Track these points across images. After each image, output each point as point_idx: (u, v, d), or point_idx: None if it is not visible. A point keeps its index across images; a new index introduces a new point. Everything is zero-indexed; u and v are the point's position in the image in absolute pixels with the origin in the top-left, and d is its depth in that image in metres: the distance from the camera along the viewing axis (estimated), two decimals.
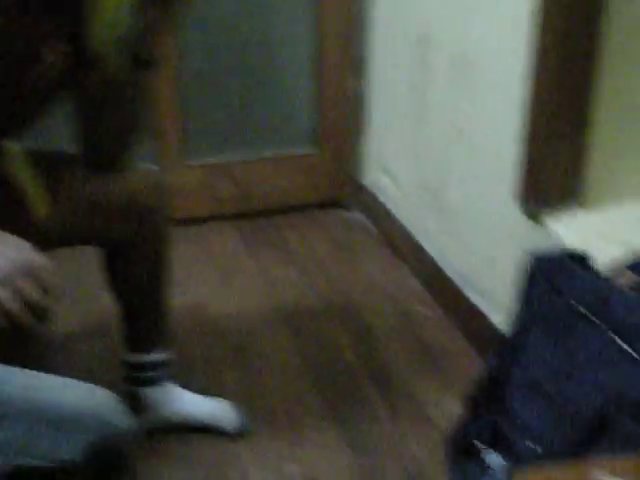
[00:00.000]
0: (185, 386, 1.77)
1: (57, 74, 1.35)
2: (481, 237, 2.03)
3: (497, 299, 1.94)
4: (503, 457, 1.35)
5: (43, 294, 1.13)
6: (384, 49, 2.52)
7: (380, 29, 2.51)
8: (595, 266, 1.38)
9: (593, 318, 1.24)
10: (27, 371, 1.13)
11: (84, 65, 1.39)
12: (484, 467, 1.31)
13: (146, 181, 1.59)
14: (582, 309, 1.26)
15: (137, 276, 1.61)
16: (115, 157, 1.52)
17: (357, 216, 2.73)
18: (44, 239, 1.32)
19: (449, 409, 1.79)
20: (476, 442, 1.33)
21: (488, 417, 1.35)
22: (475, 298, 2.06)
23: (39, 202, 1.46)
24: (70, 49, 1.35)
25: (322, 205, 2.74)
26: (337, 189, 2.75)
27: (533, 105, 1.70)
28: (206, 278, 2.35)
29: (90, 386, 1.13)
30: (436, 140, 2.22)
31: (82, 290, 2.19)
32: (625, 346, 1.18)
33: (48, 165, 1.51)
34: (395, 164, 2.51)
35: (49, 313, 1.19)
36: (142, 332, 1.69)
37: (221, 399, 1.79)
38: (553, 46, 1.60)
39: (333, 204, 2.75)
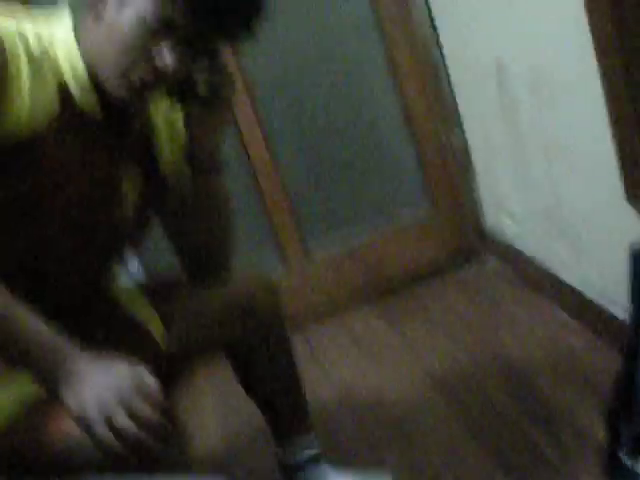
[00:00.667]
0: (344, 467, 1.77)
1: (136, 205, 1.44)
2: (609, 251, 1.96)
3: None
4: None
5: (160, 414, 1.17)
6: (467, 92, 2.53)
7: (458, 73, 2.53)
8: None
9: None
10: None
11: (159, 190, 1.48)
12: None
13: (255, 283, 1.63)
14: None
15: (264, 376, 1.65)
16: (213, 266, 1.56)
17: (489, 264, 2.68)
18: (164, 365, 1.38)
19: None
20: (621, 454, 1.26)
21: (630, 426, 1.28)
22: (624, 315, 1.97)
23: (155, 331, 1.51)
24: (144, 180, 1.44)
25: (452, 263, 2.72)
26: (462, 243, 2.72)
27: (616, 106, 1.66)
28: (353, 360, 2.36)
29: None
30: (537, 164, 2.18)
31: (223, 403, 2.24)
32: None
33: (158, 290, 1.58)
34: (508, 201, 2.47)
35: (173, 432, 1.23)
36: (285, 426, 1.72)
37: (384, 476, 1.77)
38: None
39: (462, 259, 2.72)
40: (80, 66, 1.30)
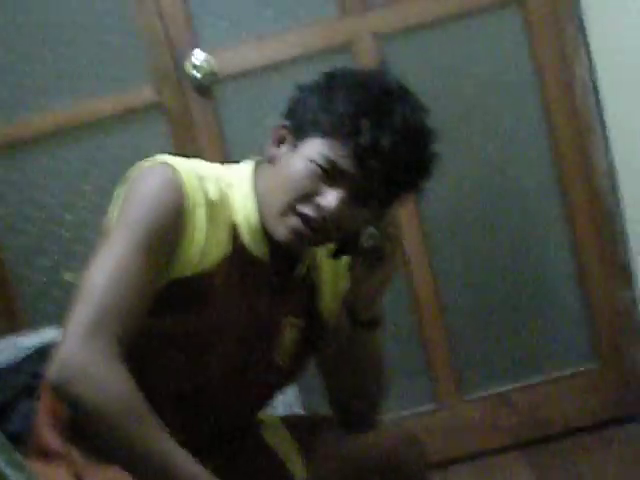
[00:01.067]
0: None
1: (293, 349, 1.48)
2: None
3: None
4: None
5: None
6: None
7: (635, 225, 2.50)
8: None
9: None
10: None
11: (317, 336, 1.52)
12: None
13: (400, 436, 1.59)
14: None
15: None
16: (364, 415, 1.57)
17: None
18: None
19: None
20: None
21: None
22: None
23: (297, 468, 1.53)
24: (304, 323, 1.49)
25: (608, 422, 2.62)
26: (622, 403, 2.63)
27: None
28: None
29: None
30: None
31: None
32: None
33: (302, 429, 1.59)
34: None
35: None
36: None
37: None
38: None
39: (620, 419, 2.63)
40: (252, 208, 1.36)
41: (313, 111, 1.33)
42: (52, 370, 1.21)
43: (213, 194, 1.34)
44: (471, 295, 2.62)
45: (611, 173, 2.52)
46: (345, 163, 1.30)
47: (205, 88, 2.46)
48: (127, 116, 2.50)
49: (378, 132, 1.28)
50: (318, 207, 1.31)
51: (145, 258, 1.26)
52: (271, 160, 1.37)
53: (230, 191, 1.37)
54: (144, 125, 2.51)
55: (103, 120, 2.50)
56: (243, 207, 1.37)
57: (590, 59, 2.47)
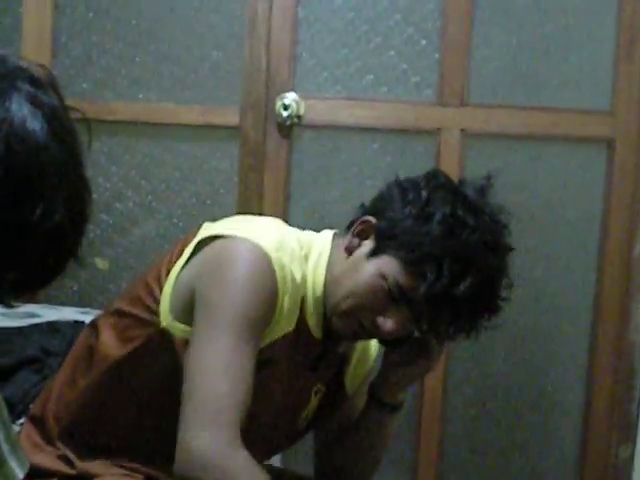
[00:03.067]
0: None
1: (315, 406, 1.49)
2: None
3: None
4: None
5: None
6: None
7: None
8: None
9: None
10: None
11: (334, 401, 1.53)
12: None
13: None
14: None
15: None
16: None
17: None
18: None
19: None
20: None
21: None
22: None
23: None
24: (326, 389, 1.50)
25: None
26: None
27: None
28: None
29: None
30: None
31: None
32: None
33: None
34: None
35: None
36: None
37: None
38: None
39: None
40: (320, 287, 1.36)
41: (403, 231, 1.31)
42: (179, 462, 1.21)
43: (297, 274, 1.33)
44: (475, 408, 2.62)
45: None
46: (415, 296, 1.30)
47: (287, 128, 2.50)
48: (205, 130, 2.54)
49: (457, 281, 1.27)
50: (376, 325, 1.33)
51: (249, 348, 1.26)
52: (348, 250, 1.37)
53: (306, 265, 1.37)
54: (218, 144, 2.54)
55: (181, 126, 2.54)
56: (313, 286, 1.37)
57: None
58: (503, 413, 2.61)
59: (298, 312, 1.35)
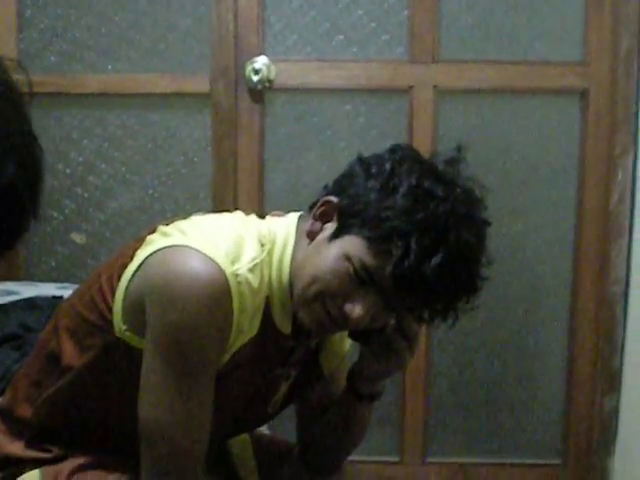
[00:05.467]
0: None
1: (286, 390, 1.46)
2: None
3: None
4: None
5: None
6: (636, 370, 2.49)
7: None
8: None
9: None
10: None
11: (308, 382, 1.50)
12: None
13: None
14: None
15: None
16: (329, 464, 1.56)
17: None
18: None
19: None
20: None
21: None
22: None
23: None
24: (300, 371, 1.46)
25: None
26: None
27: None
28: None
29: None
30: None
31: None
32: None
33: (267, 453, 1.57)
34: None
35: None
36: None
37: None
38: None
39: None
40: (286, 280, 1.29)
41: (366, 206, 1.22)
42: None
43: (255, 281, 1.24)
44: (459, 366, 2.63)
45: (626, 281, 2.53)
46: (382, 278, 1.20)
47: (258, 93, 2.47)
48: (176, 98, 2.51)
49: (426, 257, 1.18)
50: (344, 312, 1.24)
51: (206, 381, 1.23)
52: (311, 235, 1.29)
53: (269, 257, 1.29)
54: (190, 112, 2.52)
55: (152, 95, 2.52)
56: (279, 282, 1.29)
57: (635, 166, 2.49)
58: (487, 370, 2.62)
59: (261, 315, 1.28)
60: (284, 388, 1.45)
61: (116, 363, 1.29)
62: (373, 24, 2.49)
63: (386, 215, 1.20)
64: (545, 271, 2.59)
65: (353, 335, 1.40)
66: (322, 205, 1.29)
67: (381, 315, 1.28)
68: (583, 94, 2.50)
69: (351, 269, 1.22)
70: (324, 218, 1.29)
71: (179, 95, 2.50)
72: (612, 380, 2.56)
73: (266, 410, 1.46)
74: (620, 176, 2.49)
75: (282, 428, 1.89)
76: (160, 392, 1.22)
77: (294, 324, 1.33)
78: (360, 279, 1.22)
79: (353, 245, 1.23)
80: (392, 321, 1.33)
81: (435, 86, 2.48)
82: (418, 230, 1.18)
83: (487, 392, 2.63)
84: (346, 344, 1.51)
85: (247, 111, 2.49)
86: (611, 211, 2.51)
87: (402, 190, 1.21)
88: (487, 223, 1.28)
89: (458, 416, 2.64)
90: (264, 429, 1.70)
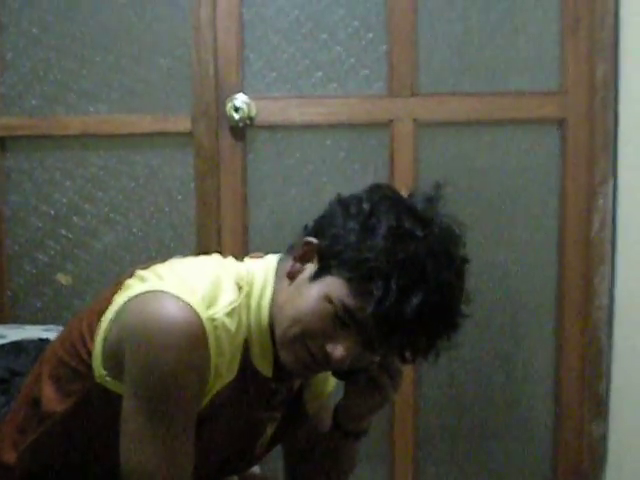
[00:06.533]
0: None
1: (271, 436, 1.47)
2: None
3: None
4: None
5: None
6: (623, 395, 2.50)
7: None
8: None
9: None
10: None
11: (294, 423, 1.50)
12: None
13: None
14: None
15: None
16: None
17: None
18: None
19: None
20: None
21: None
22: None
23: None
24: (285, 412, 1.47)
25: None
26: None
27: None
28: None
29: None
30: None
31: None
32: None
33: None
34: None
35: None
36: None
37: None
38: None
39: None
40: (265, 323, 1.30)
41: (346, 247, 1.23)
42: None
43: (232, 325, 1.25)
44: (447, 397, 2.63)
45: (610, 308, 2.54)
46: (363, 318, 1.21)
47: (239, 130, 2.49)
48: (158, 138, 2.52)
49: (406, 297, 1.18)
50: (326, 353, 1.24)
51: (185, 424, 1.23)
52: (291, 275, 1.29)
53: (248, 300, 1.30)
54: (172, 151, 2.53)
55: (134, 136, 2.53)
56: (258, 325, 1.30)
57: (615, 193, 2.51)
58: (475, 400, 2.62)
59: (240, 358, 1.29)
60: (270, 431, 1.45)
61: (97, 409, 1.30)
62: (352, 60, 2.52)
63: (366, 256, 1.20)
64: (530, 300, 2.60)
65: (337, 374, 1.40)
66: (302, 246, 1.30)
67: (364, 355, 1.28)
68: (561, 123, 2.53)
69: (332, 310, 1.23)
70: (304, 259, 1.29)
71: (161, 134, 2.51)
72: (599, 406, 2.57)
73: (252, 453, 1.46)
74: (600, 204, 2.51)
75: (272, 466, 1.89)
76: (140, 438, 1.22)
77: (276, 366, 1.33)
78: (341, 320, 1.23)
79: (334, 286, 1.23)
80: (376, 359, 1.33)
81: (415, 119, 2.50)
82: (398, 270, 1.19)
83: (476, 422, 2.63)
84: (330, 383, 1.52)
85: (229, 149, 2.50)
86: (593, 239, 2.52)
87: (381, 231, 1.22)
88: (466, 260, 1.29)
89: (447, 448, 2.63)
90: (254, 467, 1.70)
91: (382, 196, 1.28)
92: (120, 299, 1.27)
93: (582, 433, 2.60)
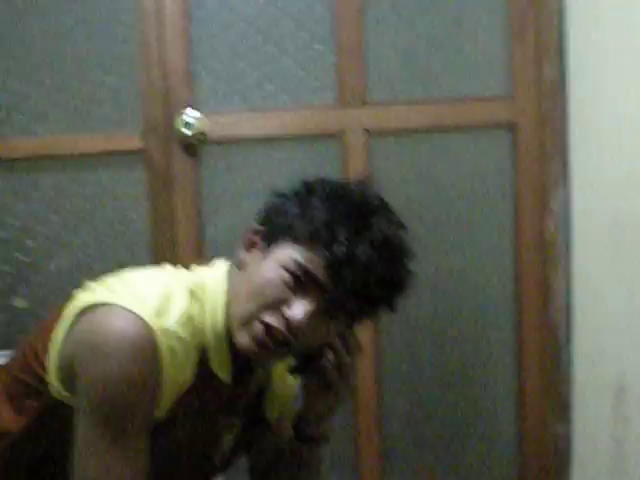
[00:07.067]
0: None
1: (232, 443, 1.46)
2: None
3: None
4: None
5: None
6: (584, 397, 2.51)
7: (579, 375, 2.53)
8: None
9: None
10: None
11: (254, 432, 1.50)
12: None
13: None
14: None
15: None
16: None
17: None
18: None
19: None
20: None
21: None
22: None
23: None
24: (245, 421, 1.47)
25: None
26: None
27: None
28: None
29: None
30: None
31: None
32: None
33: None
34: None
35: None
36: None
37: None
38: None
39: None
40: (221, 326, 1.30)
41: (288, 217, 1.28)
42: None
43: (185, 333, 1.26)
44: (411, 403, 2.62)
45: (568, 308, 2.55)
46: (318, 271, 1.24)
47: (191, 146, 2.47)
48: (109, 158, 2.50)
49: (355, 242, 1.23)
50: (284, 318, 1.25)
51: (138, 436, 1.23)
52: (240, 266, 1.32)
53: (201, 306, 1.31)
54: (124, 170, 2.51)
55: (84, 156, 2.50)
56: (214, 329, 1.30)
57: (568, 195, 2.52)
58: (439, 405, 2.62)
59: (196, 365, 1.29)
60: (229, 438, 1.44)
61: (54, 425, 1.29)
62: (301, 71, 2.51)
63: (309, 214, 1.27)
64: (488, 304, 2.61)
65: (292, 370, 1.41)
66: (246, 236, 1.34)
67: (320, 326, 1.28)
68: (512, 128, 2.54)
69: (286, 275, 1.25)
70: (250, 246, 1.33)
71: (112, 153, 2.49)
72: (562, 406, 2.58)
73: (213, 463, 1.45)
74: (554, 206, 2.53)
75: None
76: (93, 452, 1.21)
77: (235, 370, 1.34)
78: (296, 279, 1.25)
79: (284, 252, 1.27)
80: (330, 356, 1.36)
81: (366, 129, 2.50)
82: (341, 220, 1.25)
83: (440, 428, 2.63)
84: (290, 390, 1.52)
85: (181, 165, 2.49)
86: (548, 241, 2.54)
87: (320, 196, 1.29)
88: (404, 226, 1.33)
89: (414, 453, 2.63)
90: None
91: (315, 180, 1.34)
92: (69, 311, 1.28)
93: (546, 433, 2.61)
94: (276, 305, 1.26)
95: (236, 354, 1.32)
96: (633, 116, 2.16)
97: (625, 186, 2.25)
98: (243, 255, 1.33)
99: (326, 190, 1.31)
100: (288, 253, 1.26)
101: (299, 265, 1.25)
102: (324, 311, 1.27)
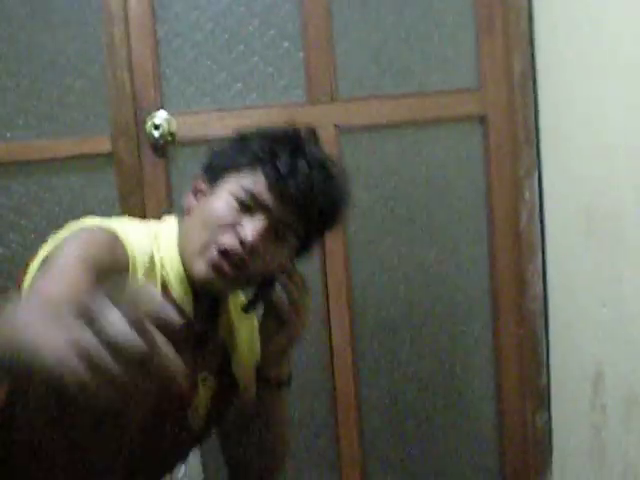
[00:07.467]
0: None
1: (206, 410, 1.47)
2: None
3: None
4: None
5: None
6: (563, 385, 2.52)
7: (556, 363, 2.53)
8: None
9: None
10: None
11: (227, 396, 1.52)
12: None
13: None
14: None
15: None
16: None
17: None
18: None
19: None
20: None
21: None
22: None
23: None
24: (217, 383, 1.48)
25: None
26: None
27: None
28: None
29: None
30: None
31: None
32: None
33: None
34: None
35: None
36: None
37: None
38: None
39: None
40: (178, 260, 1.36)
41: (229, 155, 1.40)
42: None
43: (147, 256, 1.33)
44: (390, 398, 2.62)
45: (544, 298, 2.56)
46: (264, 193, 1.33)
47: (161, 148, 2.46)
48: (79, 161, 2.49)
49: (294, 160, 1.33)
50: (237, 237, 1.31)
51: (88, 274, 1.20)
52: (188, 211, 1.40)
53: (158, 249, 1.37)
54: (94, 173, 2.50)
55: (54, 160, 2.49)
56: (170, 262, 1.36)
57: (541, 185, 2.53)
58: (418, 400, 2.62)
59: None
60: (203, 393, 1.44)
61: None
62: (270, 69, 2.51)
63: (248, 148, 1.37)
64: (464, 297, 2.61)
65: (246, 306, 1.45)
66: (193, 186, 1.43)
67: (271, 247, 1.34)
68: (482, 120, 2.55)
69: (234, 202, 1.33)
70: (196, 192, 1.41)
71: (81, 157, 2.48)
72: (541, 397, 2.59)
73: (188, 424, 1.44)
74: (527, 197, 2.53)
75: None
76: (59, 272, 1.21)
77: (197, 309, 1.37)
78: (244, 205, 1.33)
79: (229, 183, 1.35)
80: (280, 292, 1.42)
81: (336, 125, 2.50)
82: (279, 145, 1.36)
83: (420, 422, 2.64)
84: (256, 353, 1.52)
85: (151, 167, 2.48)
86: (522, 231, 2.54)
87: (255, 134, 1.42)
88: (336, 163, 1.43)
89: (394, 449, 2.63)
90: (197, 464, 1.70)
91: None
92: (37, 256, 1.33)
93: (526, 425, 2.62)
94: (229, 228, 1.32)
95: (197, 295, 1.37)
96: (603, 106, 2.17)
97: (596, 175, 2.25)
98: (190, 201, 1.41)
99: (260, 131, 1.42)
100: (235, 183, 1.34)
101: (245, 190, 1.33)
102: (274, 231, 1.34)
